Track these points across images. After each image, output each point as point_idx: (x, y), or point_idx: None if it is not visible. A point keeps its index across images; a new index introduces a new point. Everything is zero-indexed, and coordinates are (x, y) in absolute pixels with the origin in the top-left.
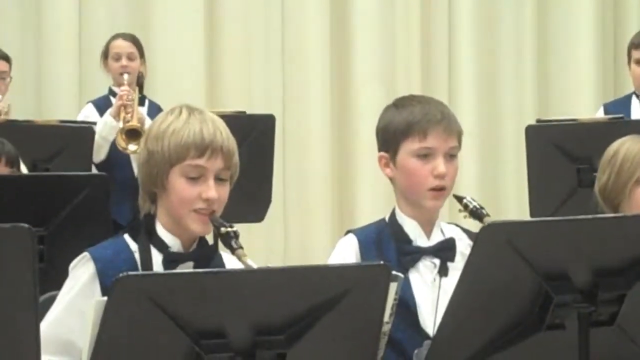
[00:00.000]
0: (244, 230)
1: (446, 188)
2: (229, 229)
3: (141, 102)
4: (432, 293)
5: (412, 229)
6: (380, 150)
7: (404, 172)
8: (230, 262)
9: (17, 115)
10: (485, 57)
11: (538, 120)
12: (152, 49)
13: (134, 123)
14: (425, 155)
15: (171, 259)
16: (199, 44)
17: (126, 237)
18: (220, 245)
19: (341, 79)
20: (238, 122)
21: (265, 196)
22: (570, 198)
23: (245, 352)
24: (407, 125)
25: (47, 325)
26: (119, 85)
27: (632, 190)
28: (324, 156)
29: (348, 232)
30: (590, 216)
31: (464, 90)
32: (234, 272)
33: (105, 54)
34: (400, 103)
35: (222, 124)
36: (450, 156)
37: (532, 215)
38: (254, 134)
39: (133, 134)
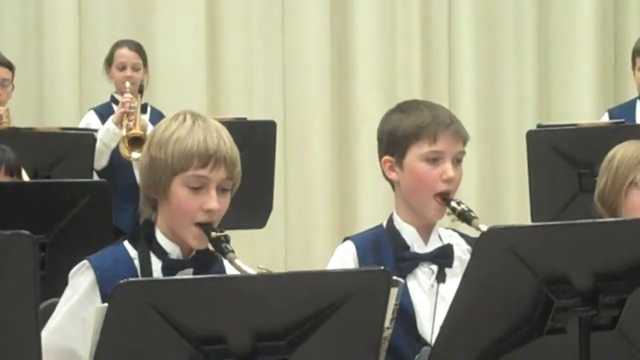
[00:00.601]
0: (246, 237)
1: (452, 192)
2: (220, 233)
3: (143, 109)
4: (429, 299)
5: (409, 235)
6: (384, 154)
7: (411, 175)
8: (231, 269)
9: (18, 122)
10: (485, 62)
11: (539, 125)
12: (153, 55)
13: (137, 131)
14: (434, 159)
15: (171, 266)
16: (200, 50)
17: (126, 244)
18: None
19: (341, 85)
20: (239, 129)
21: (267, 203)
22: (571, 203)
23: (246, 358)
24: (416, 129)
25: (48, 334)
26: (121, 92)
27: (627, 193)
28: (324, 162)
29: (346, 239)
30: (591, 221)
31: (464, 95)
32: (235, 278)
33: (109, 62)
34: (406, 107)
35: (225, 133)
36: (457, 161)
37: (533, 220)
38: (255, 141)
39: (136, 142)
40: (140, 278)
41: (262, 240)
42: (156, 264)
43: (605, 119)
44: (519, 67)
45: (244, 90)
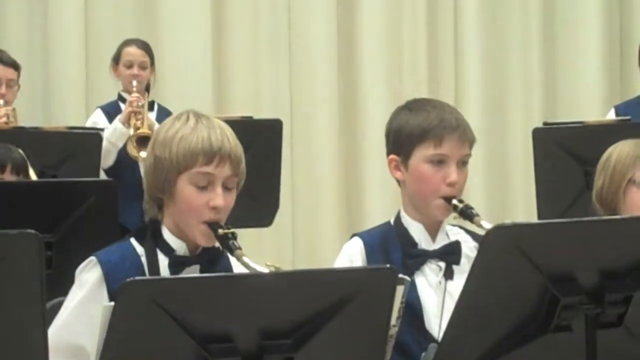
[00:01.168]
0: (252, 235)
1: (456, 196)
2: (227, 230)
3: (150, 107)
4: (437, 296)
5: (417, 232)
6: (390, 152)
7: (415, 177)
8: (238, 265)
9: (24, 121)
10: (491, 60)
11: (545, 123)
12: (159, 54)
13: (145, 130)
14: (438, 162)
15: (177, 262)
16: (206, 49)
17: (132, 241)
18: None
19: (348, 83)
20: (245, 127)
21: (273, 201)
22: (578, 200)
23: (253, 356)
24: (422, 131)
25: (55, 331)
26: (128, 91)
27: (626, 192)
28: (331, 160)
29: (353, 235)
30: (597, 218)
31: (470, 94)
32: (241, 276)
33: (117, 60)
34: (414, 106)
35: (229, 131)
36: (462, 163)
37: (539, 217)
38: (261, 139)
39: (144, 141)
40: (146, 277)
41: (269, 238)
42: (163, 261)
43: (611, 115)
44: (525, 64)
45: (250, 88)
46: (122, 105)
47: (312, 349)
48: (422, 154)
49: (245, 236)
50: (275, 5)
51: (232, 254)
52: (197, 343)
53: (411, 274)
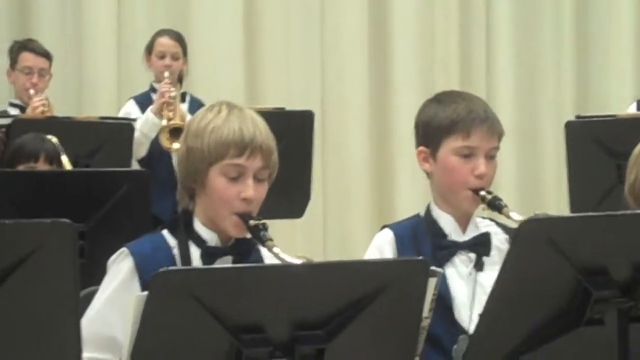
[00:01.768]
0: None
1: (485, 188)
2: (258, 222)
3: (182, 98)
4: (467, 288)
5: (447, 223)
6: (419, 144)
7: (443, 169)
8: (269, 256)
9: (57, 111)
10: (523, 53)
11: (577, 116)
12: (191, 45)
13: (178, 121)
14: (466, 154)
15: (209, 254)
16: (238, 40)
17: (165, 232)
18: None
19: (379, 75)
20: (277, 118)
21: (305, 192)
22: (610, 194)
23: (284, 347)
24: (451, 123)
25: (88, 322)
26: (160, 81)
27: None
28: (362, 152)
29: (384, 227)
30: (630, 212)
31: (502, 87)
32: (274, 267)
33: (149, 50)
34: (443, 98)
35: (261, 123)
36: (491, 156)
37: (571, 211)
38: (293, 130)
39: (177, 132)
40: (179, 267)
41: (300, 229)
42: (195, 252)
43: (632, 108)
44: (557, 57)
45: (282, 79)
46: (154, 96)
47: (344, 340)
48: (451, 145)
49: (276, 227)
50: None
51: (263, 244)
52: (230, 333)
53: (441, 265)
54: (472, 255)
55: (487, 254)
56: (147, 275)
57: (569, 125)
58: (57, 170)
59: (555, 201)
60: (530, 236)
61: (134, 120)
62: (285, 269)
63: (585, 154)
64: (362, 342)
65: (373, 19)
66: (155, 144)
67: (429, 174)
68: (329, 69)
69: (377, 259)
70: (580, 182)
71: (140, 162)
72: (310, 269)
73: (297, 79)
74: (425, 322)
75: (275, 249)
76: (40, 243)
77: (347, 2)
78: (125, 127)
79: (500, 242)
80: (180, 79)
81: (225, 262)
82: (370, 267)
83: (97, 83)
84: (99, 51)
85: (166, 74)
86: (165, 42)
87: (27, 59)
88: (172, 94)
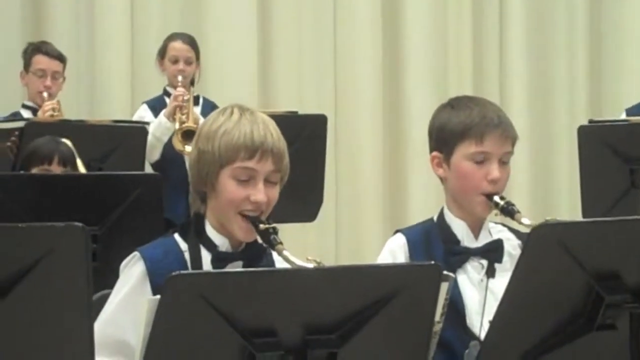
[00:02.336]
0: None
1: (498, 193)
2: (268, 225)
3: (195, 101)
4: (479, 294)
5: (460, 229)
6: (433, 149)
7: (457, 174)
8: (280, 261)
9: (70, 115)
10: (536, 57)
11: (590, 121)
12: (205, 48)
13: (191, 124)
14: (480, 159)
15: (220, 259)
16: (252, 43)
17: (176, 236)
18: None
19: (392, 79)
20: (290, 122)
21: (317, 196)
22: (623, 198)
23: (297, 351)
24: (464, 128)
25: (100, 326)
26: (174, 85)
27: None
28: (375, 156)
29: (397, 231)
30: None
31: (515, 91)
32: (286, 271)
33: (162, 54)
34: (457, 104)
35: (273, 126)
36: (504, 161)
37: (584, 216)
38: (306, 134)
39: (190, 135)
40: (192, 271)
41: (312, 233)
42: (206, 257)
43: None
44: (570, 62)
45: (295, 83)
46: (167, 100)
47: (356, 344)
48: (464, 151)
49: (288, 231)
50: (321, 1)
51: (273, 248)
52: (242, 337)
53: (453, 271)
54: (484, 262)
55: (499, 260)
56: (158, 279)
57: (581, 130)
58: (70, 173)
59: (568, 206)
60: (542, 241)
61: (147, 123)
62: (297, 273)
63: (598, 159)
64: (374, 346)
65: (386, 24)
66: (168, 147)
67: (442, 179)
68: (341, 73)
69: (390, 264)
70: (593, 187)
71: (154, 165)
72: (322, 273)
73: (310, 83)
74: (437, 327)
75: (285, 253)
76: (54, 246)
77: (360, 7)
78: (138, 131)
79: (512, 248)
80: (192, 83)
81: (235, 267)
82: (383, 271)
83: (110, 87)
84: (112, 55)
85: (179, 78)
86: (178, 46)
87: (41, 61)
88: (186, 97)
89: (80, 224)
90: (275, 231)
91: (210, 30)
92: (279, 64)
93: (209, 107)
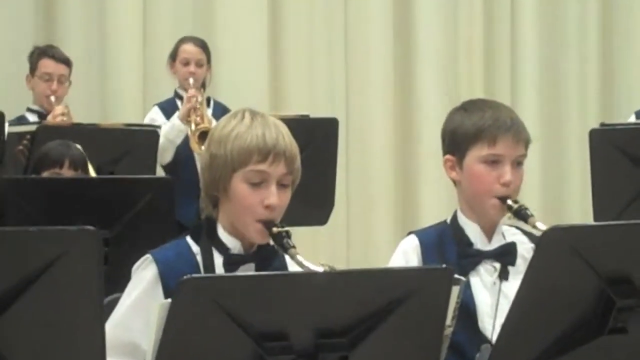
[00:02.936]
0: (307, 233)
1: (511, 196)
2: (281, 229)
3: (206, 104)
4: (491, 297)
5: (473, 232)
6: (446, 152)
7: (470, 177)
8: (292, 264)
9: (81, 118)
10: (548, 59)
11: (602, 124)
12: (216, 52)
13: (207, 124)
14: (493, 162)
15: (232, 261)
16: (263, 47)
17: (188, 239)
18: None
19: (404, 82)
20: (301, 126)
21: (329, 200)
22: (634, 202)
23: (308, 355)
24: (476, 130)
25: (111, 328)
26: (185, 88)
27: None
28: (387, 159)
29: (410, 233)
30: None
31: (526, 94)
32: (297, 275)
33: (174, 56)
34: (470, 107)
35: (284, 129)
36: (517, 164)
37: (595, 219)
38: (317, 138)
39: (206, 136)
40: (204, 274)
41: (324, 236)
42: (218, 260)
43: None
44: (582, 65)
45: (306, 86)
46: (178, 103)
47: (368, 348)
48: (477, 153)
49: (300, 234)
50: (332, 4)
51: (286, 252)
52: (253, 341)
53: (466, 273)
54: (497, 265)
55: (513, 263)
56: (170, 282)
57: (593, 133)
58: (81, 176)
59: (579, 209)
60: (554, 245)
61: (159, 127)
62: (308, 277)
63: (610, 162)
64: (385, 350)
65: (397, 26)
66: (179, 150)
67: (455, 182)
68: (353, 76)
69: (401, 267)
70: (604, 190)
71: (165, 167)
72: (333, 276)
73: (321, 86)
74: (448, 331)
75: (298, 257)
76: (65, 250)
77: (371, 8)
78: (150, 134)
79: (526, 251)
80: (204, 86)
81: (247, 270)
82: (394, 275)
83: (121, 90)
84: (123, 58)
85: (190, 80)
86: (189, 49)
87: (47, 65)
88: (199, 99)
89: (92, 228)
90: (288, 234)
91: (221, 33)
92: (290, 67)
93: (219, 110)
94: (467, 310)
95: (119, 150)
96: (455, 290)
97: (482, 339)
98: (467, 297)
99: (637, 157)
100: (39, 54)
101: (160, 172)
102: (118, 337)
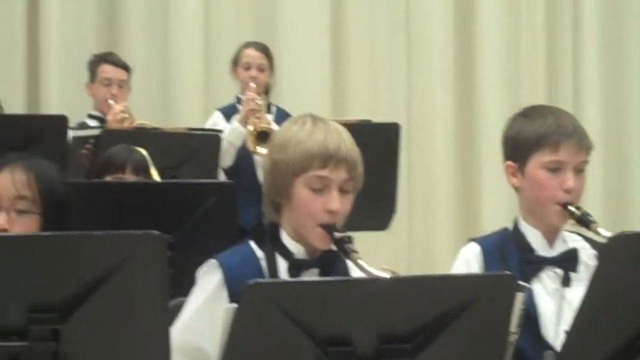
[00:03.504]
0: (368, 238)
1: (573, 202)
2: (343, 234)
3: (268, 110)
4: (554, 303)
5: (535, 238)
6: (507, 159)
7: (531, 183)
8: (354, 268)
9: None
10: (611, 64)
11: None
12: (278, 57)
13: (265, 124)
14: (555, 168)
15: (297, 266)
16: (325, 52)
17: (252, 244)
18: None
19: (465, 87)
20: (363, 131)
21: (390, 205)
22: None
23: None
24: (538, 137)
25: (176, 332)
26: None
27: None
28: (448, 164)
29: (471, 240)
30: None
31: (589, 99)
32: (362, 281)
33: (236, 61)
34: (531, 113)
35: (346, 135)
36: (579, 170)
37: None
38: (379, 142)
39: (263, 137)
40: (269, 279)
41: (385, 242)
42: (282, 264)
43: None
44: None
45: (368, 91)
46: (240, 107)
47: (431, 354)
48: (539, 160)
49: (361, 239)
50: (393, 10)
51: (348, 257)
52: (317, 346)
53: (528, 280)
54: (559, 271)
55: (575, 269)
56: (235, 287)
57: None
58: (144, 181)
59: None
60: (619, 252)
61: (221, 131)
62: (373, 283)
63: None
64: (449, 356)
65: (459, 31)
66: (241, 154)
67: (517, 189)
68: (414, 81)
69: (465, 274)
70: None
71: (226, 171)
72: (398, 282)
73: (383, 91)
74: (513, 337)
75: (361, 262)
76: (131, 254)
77: (433, 14)
78: (212, 138)
79: (588, 257)
80: (266, 91)
81: (311, 275)
82: (459, 281)
83: (183, 95)
84: (185, 63)
85: (252, 84)
86: (251, 53)
87: (107, 70)
88: (258, 101)
89: (157, 232)
90: (350, 239)
91: (282, 40)
92: (352, 73)
93: (281, 116)
94: (530, 316)
95: (182, 154)
96: (520, 297)
97: (544, 345)
98: (529, 303)
99: None
100: (98, 60)
101: (221, 177)
102: (183, 341)
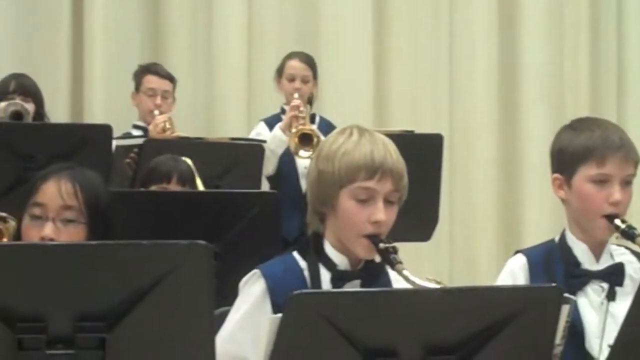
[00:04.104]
0: (411, 249)
1: (620, 215)
2: (388, 245)
3: (311, 120)
4: (599, 317)
5: (581, 252)
6: (554, 171)
7: (578, 196)
8: (397, 280)
9: (188, 132)
10: None
11: None
12: (321, 68)
13: (308, 126)
14: (601, 181)
15: (340, 277)
16: (368, 63)
17: (295, 254)
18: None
19: (508, 99)
20: (406, 141)
21: (432, 215)
22: None
23: None
24: (585, 150)
25: (221, 342)
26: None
27: None
28: (490, 176)
29: (517, 252)
30: None
31: (634, 114)
32: (407, 292)
33: (280, 72)
34: (578, 126)
35: (392, 146)
36: (626, 183)
37: None
38: (422, 153)
39: (306, 140)
40: (313, 290)
41: (427, 252)
42: (325, 275)
43: None
44: None
45: (411, 102)
46: (283, 118)
47: None
48: (585, 173)
49: (403, 250)
50: (436, 20)
51: (392, 268)
52: (362, 356)
53: (573, 293)
54: (605, 285)
55: (620, 284)
56: (278, 297)
57: None
58: (189, 190)
59: None
60: None
61: (264, 141)
62: (418, 294)
63: None
64: None
65: (502, 43)
66: (283, 163)
67: (564, 201)
68: (457, 91)
69: (511, 285)
70: None
71: (269, 180)
72: (444, 294)
73: (425, 102)
74: (558, 350)
75: (405, 272)
76: (177, 264)
77: (477, 25)
78: (255, 148)
79: (634, 271)
80: (310, 102)
81: (354, 286)
82: (505, 293)
83: (226, 105)
84: (229, 74)
85: (296, 95)
86: (295, 64)
87: (151, 81)
88: (302, 109)
89: (203, 242)
90: (395, 250)
91: (326, 50)
92: (394, 83)
93: (325, 126)
94: (574, 329)
95: (225, 164)
96: (565, 309)
97: (589, 358)
98: (574, 316)
99: None
100: (142, 70)
101: (265, 187)
102: (228, 351)
